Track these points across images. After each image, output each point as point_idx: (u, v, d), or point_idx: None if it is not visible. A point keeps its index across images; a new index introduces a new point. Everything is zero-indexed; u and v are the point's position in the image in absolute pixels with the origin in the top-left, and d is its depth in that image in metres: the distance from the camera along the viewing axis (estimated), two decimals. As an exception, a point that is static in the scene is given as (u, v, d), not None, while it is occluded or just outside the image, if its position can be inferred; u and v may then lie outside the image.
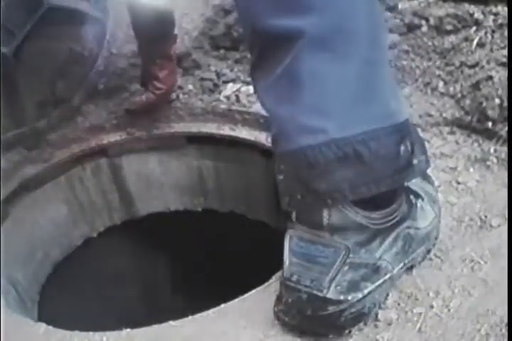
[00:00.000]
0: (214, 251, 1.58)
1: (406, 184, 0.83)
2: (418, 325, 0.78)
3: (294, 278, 0.75)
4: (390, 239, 0.77)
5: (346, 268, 0.74)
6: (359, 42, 0.71)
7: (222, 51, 1.50)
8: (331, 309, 0.74)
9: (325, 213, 0.73)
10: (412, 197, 0.84)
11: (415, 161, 0.76)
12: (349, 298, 0.74)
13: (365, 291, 0.75)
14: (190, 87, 1.41)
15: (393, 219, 0.78)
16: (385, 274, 0.78)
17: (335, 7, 0.69)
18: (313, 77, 0.71)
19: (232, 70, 1.43)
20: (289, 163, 0.74)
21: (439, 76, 1.23)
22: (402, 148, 0.74)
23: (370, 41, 0.72)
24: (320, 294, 0.73)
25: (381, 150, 0.72)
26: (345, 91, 0.71)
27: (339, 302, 0.74)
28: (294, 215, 0.77)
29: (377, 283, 0.77)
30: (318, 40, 0.69)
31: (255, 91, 0.80)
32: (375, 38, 0.73)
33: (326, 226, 0.73)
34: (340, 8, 0.70)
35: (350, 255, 0.74)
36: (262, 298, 0.85)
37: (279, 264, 0.82)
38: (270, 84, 0.74)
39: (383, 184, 0.73)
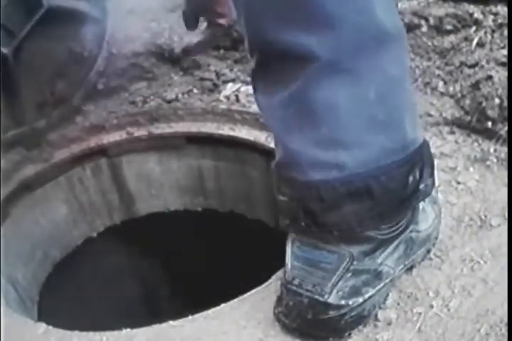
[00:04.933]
0: (214, 250, 1.58)
1: None
2: (418, 325, 0.78)
3: (296, 281, 0.75)
4: (393, 245, 0.77)
5: (349, 274, 0.73)
6: (380, 56, 0.65)
7: (222, 51, 1.50)
8: (332, 313, 0.74)
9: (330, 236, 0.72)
10: None
11: (422, 186, 0.74)
12: (350, 302, 0.74)
13: (366, 296, 0.75)
14: (190, 87, 1.41)
15: (399, 227, 0.77)
16: (387, 278, 0.78)
17: (355, 19, 0.62)
18: (329, 108, 0.66)
19: (231, 70, 1.43)
20: (297, 192, 0.71)
21: (438, 76, 1.23)
22: (411, 178, 0.72)
23: (392, 55, 0.66)
24: (321, 299, 0.73)
25: (390, 184, 0.70)
26: (364, 119, 0.67)
27: (340, 306, 0.73)
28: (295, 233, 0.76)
29: (378, 287, 0.77)
30: (333, 64, 0.63)
31: (256, 101, 0.75)
32: (397, 51, 0.67)
33: (334, 237, 0.72)
34: (361, 19, 0.62)
35: (354, 262, 0.73)
36: (262, 298, 0.85)
37: (279, 264, 0.82)
38: (276, 106, 0.69)
39: (388, 216, 0.73)
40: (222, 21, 1.15)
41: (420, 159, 0.73)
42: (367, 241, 0.74)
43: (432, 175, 0.78)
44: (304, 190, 0.70)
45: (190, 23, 1.15)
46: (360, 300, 0.75)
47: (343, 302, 0.73)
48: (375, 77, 0.66)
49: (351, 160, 0.68)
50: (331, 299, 0.73)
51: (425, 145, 0.76)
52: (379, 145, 0.68)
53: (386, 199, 0.71)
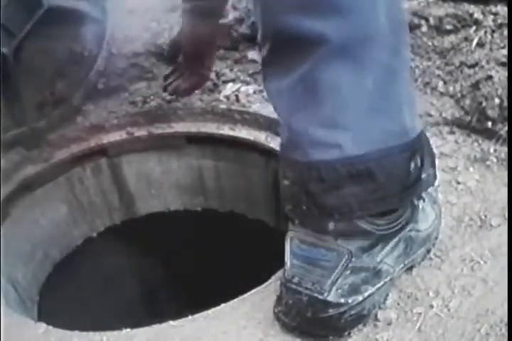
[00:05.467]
0: (214, 250, 1.58)
1: None
2: (418, 325, 0.78)
3: (296, 280, 0.75)
4: (392, 243, 0.77)
5: (348, 272, 0.74)
6: (380, 48, 0.68)
7: (221, 51, 1.50)
8: (331, 311, 0.74)
9: (331, 221, 0.73)
10: (414, 199, 0.84)
11: (424, 175, 0.75)
12: (349, 300, 0.74)
13: (366, 294, 0.75)
14: (190, 86, 1.41)
15: (398, 224, 0.77)
16: (386, 277, 0.78)
17: (359, 9, 0.65)
18: (332, 89, 0.68)
19: (231, 70, 1.43)
20: (298, 174, 0.73)
21: (438, 76, 1.23)
22: (413, 164, 0.73)
23: (392, 47, 0.69)
24: (321, 297, 0.73)
25: (392, 169, 0.71)
26: (364, 104, 0.69)
27: (339, 305, 0.74)
28: (297, 220, 0.76)
29: (377, 286, 0.77)
30: (340, 48, 0.66)
31: (266, 89, 0.77)
32: (396, 44, 0.70)
33: (332, 232, 0.73)
34: (365, 10, 0.66)
35: (353, 259, 0.73)
36: (262, 298, 0.85)
37: (278, 264, 0.82)
38: (284, 89, 0.71)
39: (390, 201, 0.73)
40: (205, 73, 1.25)
41: (420, 147, 0.75)
42: (365, 236, 0.74)
43: (433, 165, 0.79)
44: (305, 171, 0.71)
45: (169, 58, 1.26)
46: (360, 298, 0.75)
47: (342, 300, 0.74)
48: (374, 68, 0.69)
49: (352, 142, 0.69)
50: (331, 297, 0.73)
51: (423, 135, 0.77)
52: (379, 129, 0.70)
53: (388, 184, 0.72)
